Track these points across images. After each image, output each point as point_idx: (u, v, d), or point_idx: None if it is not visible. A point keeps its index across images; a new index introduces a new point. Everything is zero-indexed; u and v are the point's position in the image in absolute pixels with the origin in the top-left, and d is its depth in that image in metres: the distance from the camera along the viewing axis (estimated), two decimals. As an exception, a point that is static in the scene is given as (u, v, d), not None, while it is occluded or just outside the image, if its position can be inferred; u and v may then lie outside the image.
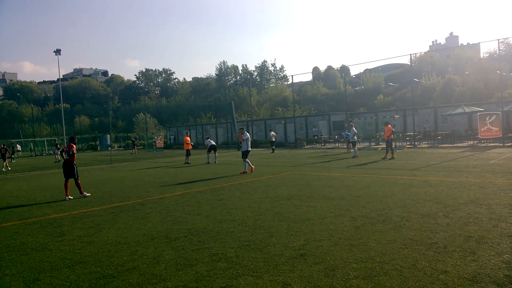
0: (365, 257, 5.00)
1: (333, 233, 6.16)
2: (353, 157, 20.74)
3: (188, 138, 23.38)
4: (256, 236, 6.23)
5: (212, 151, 22.07)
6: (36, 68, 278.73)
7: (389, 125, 19.27)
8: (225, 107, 55.55)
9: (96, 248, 6.11)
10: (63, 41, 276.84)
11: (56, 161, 31.16)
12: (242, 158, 15.89)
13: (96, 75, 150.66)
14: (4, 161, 26.13)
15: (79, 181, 11.64)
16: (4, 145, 27.41)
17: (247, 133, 16.21)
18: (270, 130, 32.66)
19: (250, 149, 15.97)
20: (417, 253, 5.03)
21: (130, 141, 51.81)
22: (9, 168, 26.20)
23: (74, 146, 11.85)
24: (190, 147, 23.01)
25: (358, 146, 28.91)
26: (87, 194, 11.72)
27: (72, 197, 11.38)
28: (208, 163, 21.83)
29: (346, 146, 27.06)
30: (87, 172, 20.37)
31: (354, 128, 22.17)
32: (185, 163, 22.33)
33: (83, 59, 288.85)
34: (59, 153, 32.13)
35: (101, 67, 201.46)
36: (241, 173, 15.48)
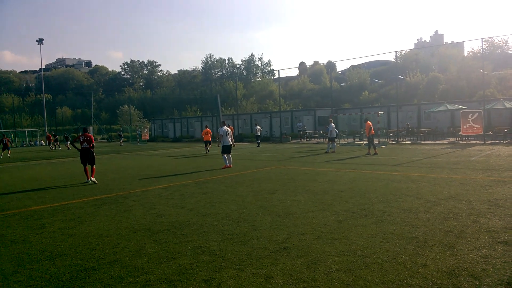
0: (347, 250, 5.06)
1: (316, 227, 6.20)
2: (326, 152, 21.18)
3: (209, 130, 25.50)
4: (240, 230, 6.24)
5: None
6: (17, 58, 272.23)
7: (369, 122, 19.56)
8: (211, 100, 55.25)
9: (77, 240, 6.04)
10: (45, 31, 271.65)
11: (68, 149, 34.04)
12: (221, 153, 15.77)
13: (79, 65, 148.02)
14: (5, 150, 28.18)
15: (94, 167, 12.84)
16: (5, 136, 29.38)
17: (225, 128, 15.79)
18: (256, 124, 32.65)
19: (230, 143, 15.57)
20: (398, 247, 5.10)
21: (117, 133, 51.58)
22: (6, 156, 27.88)
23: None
24: (210, 138, 25.04)
25: (343, 141, 29.21)
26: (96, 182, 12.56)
27: (94, 179, 12.51)
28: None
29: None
30: (69, 164, 20.06)
31: (333, 124, 22.39)
32: (207, 152, 24.25)
33: (65, 49, 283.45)
34: (69, 143, 34.29)
35: (84, 57, 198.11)
36: (222, 168, 15.25)
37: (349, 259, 4.76)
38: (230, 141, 15.68)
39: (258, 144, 30.43)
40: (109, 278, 4.47)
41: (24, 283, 4.44)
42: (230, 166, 15.40)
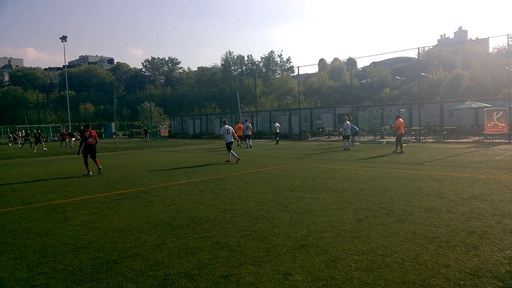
0: (367, 249, 5.01)
1: (335, 225, 6.16)
2: (344, 149, 21.37)
3: (242, 125, 27.49)
4: (259, 226, 6.25)
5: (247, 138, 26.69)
6: (40, 55, 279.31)
7: (400, 119, 19.34)
8: (230, 97, 55.42)
9: (99, 234, 6.16)
10: (66, 28, 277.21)
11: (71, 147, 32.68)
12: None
13: (101, 62, 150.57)
14: (37, 143, 29.82)
15: (97, 160, 14.17)
16: (38, 130, 32.12)
17: (226, 126, 17.07)
18: (275, 122, 32.64)
19: (231, 140, 16.84)
20: (419, 247, 5.03)
21: (142, 129, 51.76)
22: (40, 150, 29.40)
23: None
24: (241, 133, 27.05)
25: (363, 139, 28.97)
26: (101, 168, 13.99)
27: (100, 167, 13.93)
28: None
29: (350, 139, 26.99)
30: (90, 160, 20.42)
31: (347, 122, 22.49)
32: (238, 145, 26.59)
33: (86, 46, 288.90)
34: (73, 140, 33.60)
35: (106, 55, 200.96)
36: (225, 162, 16.73)
37: (369, 258, 4.71)
38: (232, 138, 16.99)
39: (277, 141, 30.47)
40: (130, 271, 4.55)
41: (48, 275, 4.55)
42: (229, 161, 16.70)
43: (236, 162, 16.16)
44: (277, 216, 6.85)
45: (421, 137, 28.23)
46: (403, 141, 23.11)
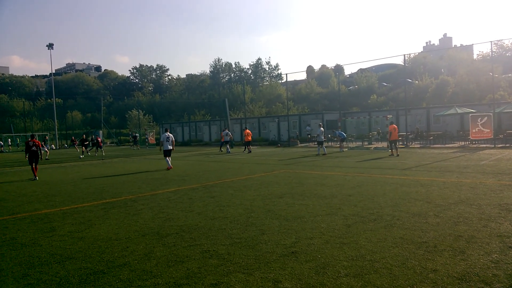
0: (356, 255, 5.03)
1: (324, 231, 6.18)
2: (317, 154, 22.36)
3: (249, 131, 28.25)
4: (248, 234, 6.23)
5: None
6: (25, 63, 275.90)
7: (392, 125, 20.41)
8: (219, 104, 55.49)
9: (86, 244, 6.08)
10: (52, 36, 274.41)
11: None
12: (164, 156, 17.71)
13: (89, 70, 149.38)
14: (82, 147, 31.34)
15: (37, 166, 16.05)
16: (97, 136, 35.32)
17: (167, 134, 17.76)
18: (245, 129, 29.64)
19: (170, 148, 17.53)
20: (408, 252, 5.06)
21: (130, 137, 50.90)
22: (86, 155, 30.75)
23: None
24: (249, 138, 27.72)
25: (351, 145, 29.21)
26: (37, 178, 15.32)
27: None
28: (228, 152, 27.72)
29: (339, 145, 27.16)
30: (78, 168, 20.23)
31: (322, 128, 23.21)
32: (248, 152, 27.01)
33: (72, 54, 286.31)
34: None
35: (93, 62, 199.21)
36: (166, 169, 17.16)
37: (358, 263, 4.73)
38: (170, 146, 17.60)
39: (249, 150, 27.53)
40: (118, 281, 4.49)
41: (34, 286, 4.48)
42: (170, 168, 17.26)
43: (168, 169, 17.09)
44: (266, 223, 6.84)
45: (408, 143, 28.54)
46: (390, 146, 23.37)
